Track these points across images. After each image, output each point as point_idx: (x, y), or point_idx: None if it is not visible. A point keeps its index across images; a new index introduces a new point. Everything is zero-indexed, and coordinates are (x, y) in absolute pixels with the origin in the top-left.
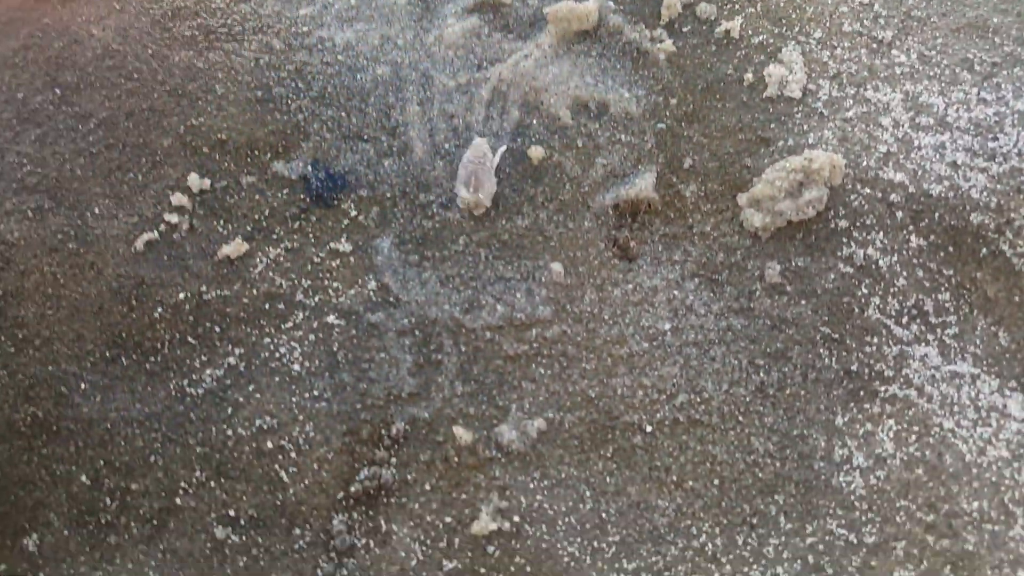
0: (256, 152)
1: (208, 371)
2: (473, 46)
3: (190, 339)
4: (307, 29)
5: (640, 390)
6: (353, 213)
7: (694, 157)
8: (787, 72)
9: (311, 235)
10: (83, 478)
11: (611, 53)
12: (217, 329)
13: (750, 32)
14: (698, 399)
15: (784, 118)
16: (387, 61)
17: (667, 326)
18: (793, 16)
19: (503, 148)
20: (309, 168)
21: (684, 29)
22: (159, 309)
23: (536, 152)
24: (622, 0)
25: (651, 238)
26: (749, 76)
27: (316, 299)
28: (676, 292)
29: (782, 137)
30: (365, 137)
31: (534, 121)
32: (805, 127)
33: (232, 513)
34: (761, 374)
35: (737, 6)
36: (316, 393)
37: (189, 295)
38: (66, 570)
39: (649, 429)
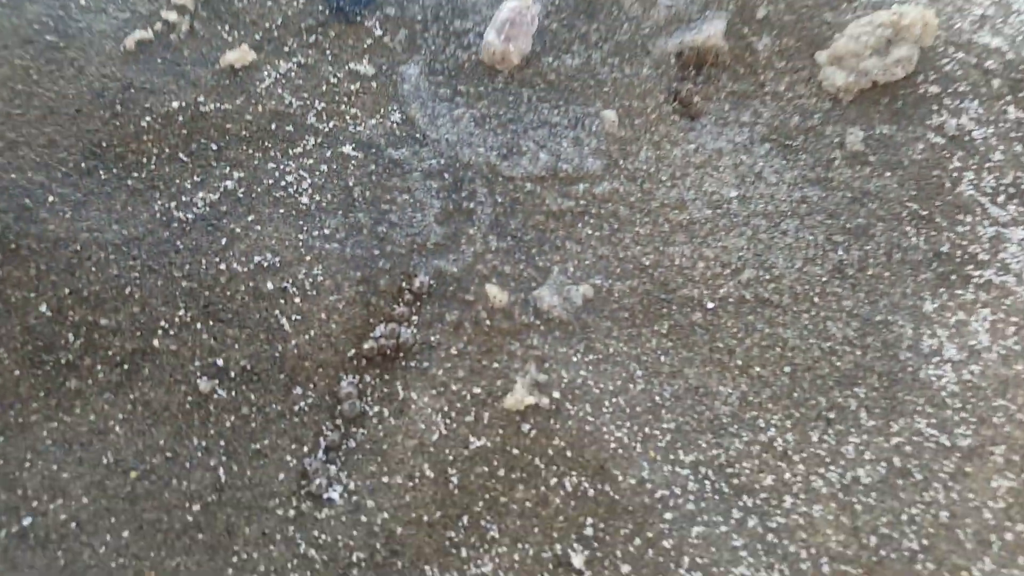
0: None
1: (201, 194)
2: None
3: (182, 155)
4: None
5: (701, 262)
6: (378, 33)
7: (768, 7)
8: None
9: (328, 52)
10: (43, 307)
11: None
12: (214, 147)
13: None
14: (767, 276)
15: None
16: None
17: (733, 193)
18: None
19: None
20: None
21: None
22: (147, 118)
23: None
24: None
25: (717, 94)
26: None
27: (331, 124)
28: (744, 157)
29: None
30: None
31: None
32: None
33: (220, 363)
34: (839, 252)
35: None
36: (327, 232)
37: (184, 105)
38: (13, 418)
39: (711, 306)
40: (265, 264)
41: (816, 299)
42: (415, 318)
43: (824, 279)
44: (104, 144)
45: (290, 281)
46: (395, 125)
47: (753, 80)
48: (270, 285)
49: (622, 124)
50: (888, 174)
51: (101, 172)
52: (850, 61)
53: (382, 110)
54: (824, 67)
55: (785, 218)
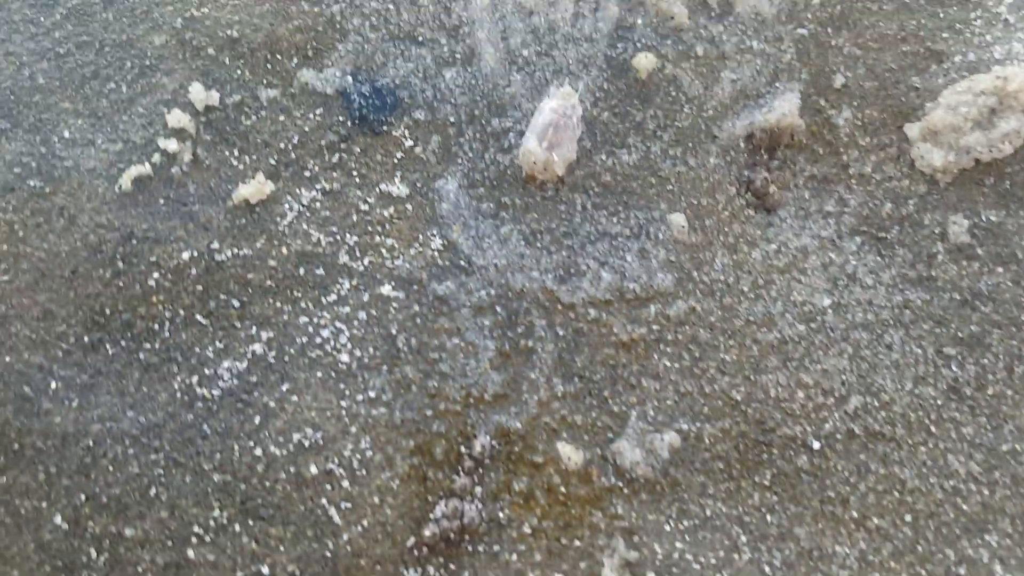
0: (278, 56)
1: (226, 363)
2: None
3: (199, 317)
4: None
5: (800, 390)
6: (408, 143)
7: (846, 73)
8: None
9: (355, 172)
10: (58, 519)
11: None
12: (236, 303)
13: None
14: (875, 403)
15: (959, 25)
16: None
17: (826, 302)
18: None
19: (580, 86)
20: (348, 79)
21: None
22: (155, 274)
23: (644, 62)
24: None
25: (795, 180)
26: None
27: (366, 262)
28: (833, 255)
29: (959, 50)
30: (420, 38)
31: (639, 21)
32: (988, 37)
33: (265, 570)
34: (953, 367)
35: None
36: (372, 394)
37: (196, 254)
38: None
39: (816, 446)
40: (306, 443)
41: (932, 428)
42: (478, 489)
43: (939, 402)
44: (108, 311)
45: (336, 461)
46: (437, 253)
47: (835, 161)
48: (314, 469)
49: (692, 228)
50: (1000, 269)
51: (108, 346)
52: (947, 136)
53: (421, 237)
54: (916, 143)
55: (888, 328)
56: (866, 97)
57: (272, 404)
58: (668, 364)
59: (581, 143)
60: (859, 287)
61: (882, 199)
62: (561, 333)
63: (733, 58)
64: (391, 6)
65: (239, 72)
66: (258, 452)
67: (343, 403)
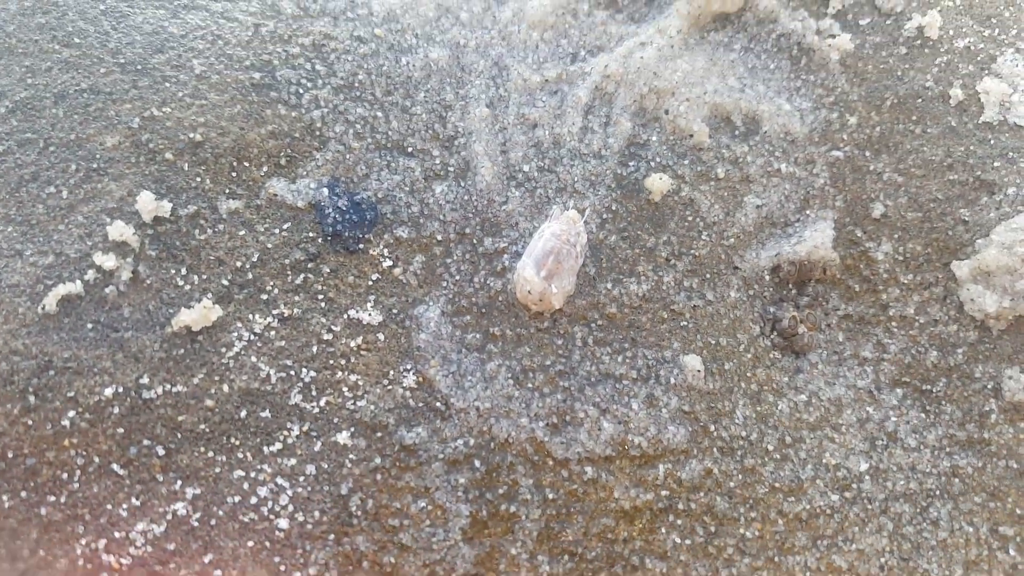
0: (246, 163)
1: (141, 525)
2: (567, 27)
3: (116, 467)
4: None
5: None
6: (386, 263)
7: (886, 202)
8: (1009, 89)
9: (321, 296)
10: None
11: (762, 48)
12: (160, 451)
13: (951, 32)
14: None
15: (1012, 154)
16: (445, 42)
17: (863, 466)
18: (1007, 15)
19: (587, 208)
20: (324, 191)
21: (862, 22)
22: (72, 412)
23: (657, 183)
24: None
25: (827, 320)
26: (956, 92)
27: (322, 403)
28: (871, 409)
29: (1012, 181)
30: (409, 149)
31: (653, 138)
32: None
33: None
34: (1011, 551)
35: None
36: (313, 572)
37: (121, 390)
38: None
39: None
40: None
41: None
42: None
43: None
44: (11, 453)
45: None
46: (408, 393)
47: (873, 300)
48: None
49: (709, 372)
50: None
51: (4, 497)
52: (1001, 278)
53: (391, 372)
54: (965, 284)
55: (934, 500)
56: (908, 229)
57: None
58: (678, 540)
59: (584, 269)
60: (900, 449)
61: (926, 346)
62: (551, 496)
63: (759, 181)
64: (379, 113)
65: (199, 180)
66: None
67: None
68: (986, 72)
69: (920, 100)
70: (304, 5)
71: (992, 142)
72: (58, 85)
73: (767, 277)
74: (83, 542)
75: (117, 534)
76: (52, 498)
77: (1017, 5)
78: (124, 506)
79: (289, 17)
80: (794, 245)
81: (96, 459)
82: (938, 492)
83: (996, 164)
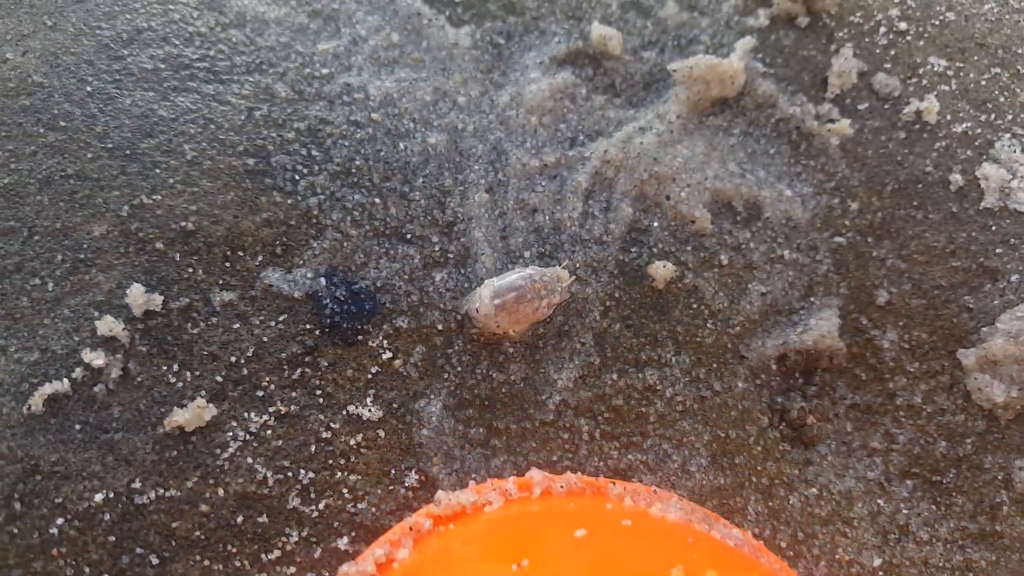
0: (240, 252)
1: None
2: (566, 112)
3: None
4: (327, 72)
5: None
6: (386, 355)
7: (891, 289)
8: (1008, 175)
9: (319, 391)
10: None
11: (761, 132)
12: (154, 560)
13: (949, 117)
14: None
15: (1014, 240)
16: (442, 126)
17: (876, 561)
18: (1002, 100)
19: (571, 278)
20: (321, 281)
21: (860, 107)
22: (60, 520)
23: (661, 271)
24: (773, 61)
25: (835, 410)
26: (957, 178)
27: (321, 506)
28: (882, 502)
29: (1016, 268)
30: (408, 236)
31: (655, 224)
32: None
33: None
34: None
35: (926, 82)
36: None
37: (112, 496)
38: None
39: None
40: None
41: None
42: None
43: None
44: None
45: None
46: (411, 493)
47: (880, 389)
48: None
49: (718, 465)
50: None
51: None
52: (1009, 368)
53: (392, 471)
54: (972, 372)
55: None
56: (913, 317)
57: None
58: None
59: (589, 360)
60: (913, 543)
61: (935, 436)
62: None
63: (762, 268)
64: (377, 200)
65: (191, 271)
66: None
67: None
68: (984, 157)
69: (920, 185)
70: (299, 89)
71: (993, 228)
72: (43, 170)
73: (774, 366)
74: None
75: None
76: None
77: (1012, 90)
78: None
79: (283, 101)
80: (800, 334)
81: (87, 569)
82: None
83: (998, 250)
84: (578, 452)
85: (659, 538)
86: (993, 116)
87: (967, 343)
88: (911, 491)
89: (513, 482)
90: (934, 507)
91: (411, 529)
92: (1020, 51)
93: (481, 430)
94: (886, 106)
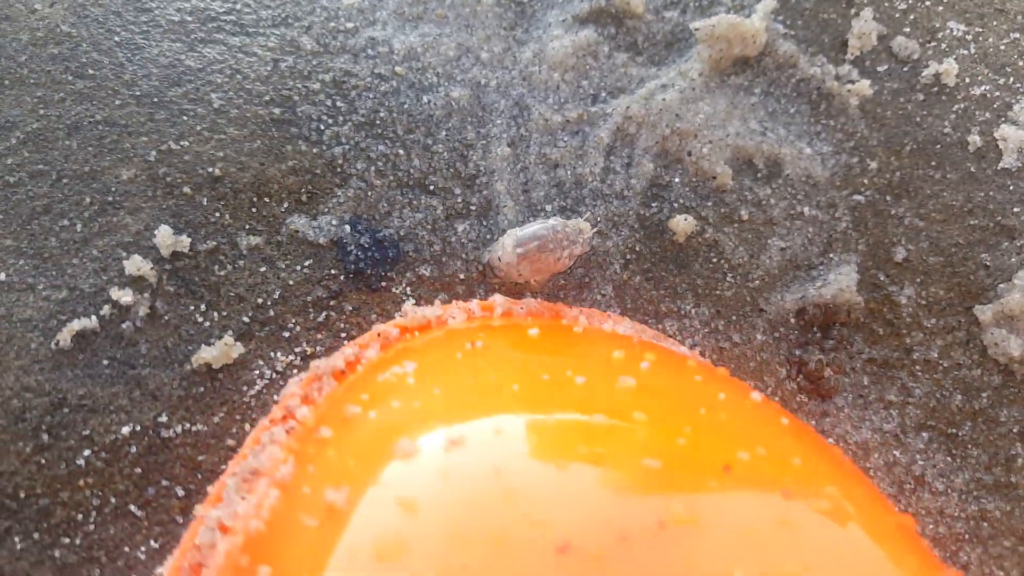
0: (266, 199)
1: (159, 569)
2: (588, 69)
3: (133, 508)
4: (353, 26)
5: None
6: (409, 302)
7: (908, 246)
8: None
9: (343, 334)
10: None
11: (782, 92)
12: (180, 492)
13: (967, 80)
14: None
15: None
16: (465, 81)
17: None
18: (1021, 64)
19: (593, 230)
20: (346, 228)
21: (879, 68)
22: (86, 451)
23: (682, 225)
24: (793, 22)
25: (852, 364)
26: (975, 139)
27: None
28: (898, 453)
29: None
30: (431, 187)
31: (676, 179)
32: None
33: None
34: None
35: (945, 46)
36: None
37: (138, 429)
38: None
39: None
40: None
41: None
42: None
43: None
44: (23, 493)
45: None
46: None
47: (897, 344)
48: None
49: None
50: None
51: (16, 538)
52: None
53: None
54: (989, 328)
55: (963, 545)
56: (930, 273)
57: None
58: None
59: (610, 310)
60: (928, 493)
61: (951, 390)
62: None
63: (782, 224)
64: (401, 151)
65: (218, 215)
66: None
67: None
68: (1003, 119)
69: (939, 146)
70: (324, 42)
71: (1011, 188)
72: (71, 116)
73: (792, 320)
74: None
75: None
76: (67, 540)
77: None
78: (142, 548)
79: (309, 53)
80: (819, 288)
81: (112, 500)
82: (967, 536)
83: (1016, 210)
84: None
85: (607, 339)
86: (1012, 80)
87: (984, 299)
88: (927, 443)
89: (476, 303)
90: (949, 459)
91: (379, 336)
92: None
93: None
94: (905, 68)
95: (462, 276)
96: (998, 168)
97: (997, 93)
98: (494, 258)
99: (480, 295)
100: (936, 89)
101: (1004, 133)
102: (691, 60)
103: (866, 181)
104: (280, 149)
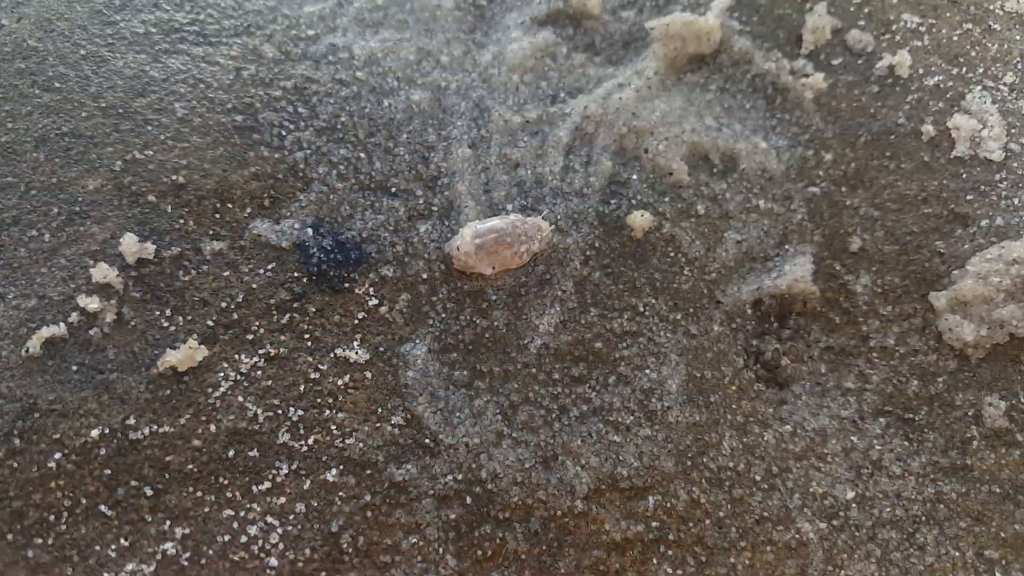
0: (229, 205)
1: (130, 566)
2: (547, 70)
3: (103, 508)
4: (313, 33)
5: None
6: (372, 302)
7: (863, 236)
8: (978, 125)
9: (307, 335)
10: None
11: (737, 88)
12: (148, 492)
13: (921, 71)
14: None
15: (984, 187)
16: (426, 84)
17: (849, 494)
18: (973, 54)
19: (550, 228)
20: (308, 232)
21: (834, 62)
22: (57, 454)
23: (639, 220)
24: (748, 19)
25: (809, 352)
26: (928, 128)
27: (311, 441)
28: (855, 438)
29: (986, 214)
30: (393, 189)
31: (634, 176)
32: (1016, 201)
33: None
34: (997, 574)
35: (899, 38)
36: None
37: (107, 431)
38: None
39: None
40: None
41: None
42: None
43: None
44: None
45: None
46: (397, 430)
47: (853, 332)
48: None
49: (695, 404)
50: None
51: None
52: (978, 308)
53: (379, 410)
54: (943, 314)
55: (920, 526)
56: (886, 262)
57: None
58: (670, 571)
59: (568, 304)
60: (885, 476)
61: (907, 376)
62: (539, 530)
63: (738, 217)
64: (363, 155)
65: (182, 222)
66: None
67: None
68: (956, 109)
69: (893, 136)
70: (285, 49)
71: (964, 176)
72: (39, 129)
73: (749, 311)
74: None
75: (106, 575)
76: (39, 540)
77: (983, 45)
78: (113, 547)
79: (270, 61)
80: (775, 279)
81: (83, 500)
82: (924, 518)
83: (969, 197)
84: (558, 393)
85: None
86: (964, 70)
87: (939, 286)
88: (884, 428)
89: None
90: (906, 443)
91: None
92: (991, 7)
93: (465, 372)
94: (859, 61)
95: (425, 276)
96: (951, 157)
97: (950, 83)
98: (453, 248)
99: (443, 294)
100: (890, 80)
101: (957, 122)
102: (647, 59)
103: (821, 173)
104: (243, 155)
